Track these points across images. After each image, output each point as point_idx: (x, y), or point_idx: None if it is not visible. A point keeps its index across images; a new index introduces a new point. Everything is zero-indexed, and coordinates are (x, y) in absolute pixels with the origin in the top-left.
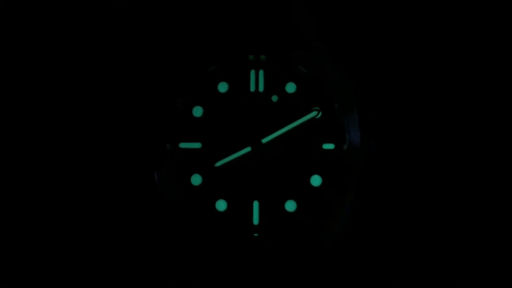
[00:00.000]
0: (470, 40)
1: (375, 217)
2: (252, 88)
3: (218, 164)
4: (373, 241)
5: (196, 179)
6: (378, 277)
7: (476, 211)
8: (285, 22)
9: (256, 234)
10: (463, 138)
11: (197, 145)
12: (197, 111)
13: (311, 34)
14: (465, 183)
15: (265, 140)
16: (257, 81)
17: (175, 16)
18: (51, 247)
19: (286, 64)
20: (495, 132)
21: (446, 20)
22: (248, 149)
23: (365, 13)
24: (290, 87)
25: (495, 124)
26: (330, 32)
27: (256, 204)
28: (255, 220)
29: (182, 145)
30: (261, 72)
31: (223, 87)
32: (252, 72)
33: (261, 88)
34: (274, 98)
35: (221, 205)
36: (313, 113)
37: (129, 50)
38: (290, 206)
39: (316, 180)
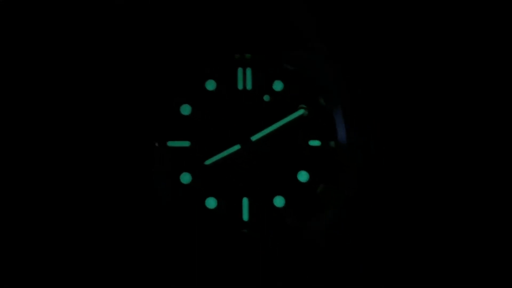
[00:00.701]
0: (460, 36)
1: (364, 212)
2: (240, 86)
3: (208, 162)
4: (361, 235)
5: (186, 178)
6: (367, 273)
7: (468, 207)
8: (271, 20)
9: (245, 231)
10: (453, 134)
11: (185, 144)
12: (185, 109)
13: (298, 32)
14: (453, 176)
15: (254, 138)
16: (244, 79)
17: (163, 15)
18: (42, 243)
19: (272, 62)
20: (485, 128)
21: (436, 16)
22: (237, 147)
23: (348, 7)
24: (277, 85)
25: (484, 120)
26: (316, 28)
27: (245, 201)
28: (245, 217)
29: (171, 143)
30: (248, 70)
31: (210, 85)
32: (240, 71)
33: (248, 86)
34: (266, 97)
35: (211, 202)
36: (300, 111)
37: (117, 49)
38: (279, 201)
39: (303, 176)
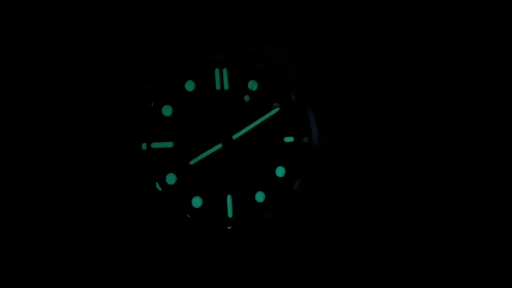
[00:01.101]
0: (432, 31)
1: (340, 206)
2: (218, 87)
3: (193, 162)
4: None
5: (171, 178)
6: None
7: (443, 199)
8: (240, 19)
9: (229, 227)
10: (431, 129)
11: (169, 145)
12: (167, 111)
13: (264, 29)
14: (432, 170)
15: (235, 136)
16: (221, 79)
17: (141, 17)
18: (29, 244)
19: (246, 62)
20: (453, 128)
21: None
22: (219, 146)
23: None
24: (253, 85)
25: (453, 119)
26: (284, 27)
27: (229, 198)
28: (230, 213)
29: (155, 145)
30: (225, 71)
31: (190, 85)
32: (217, 71)
33: (226, 86)
34: (246, 98)
35: (196, 201)
36: (276, 110)
37: (98, 53)
38: (260, 197)
39: (280, 171)
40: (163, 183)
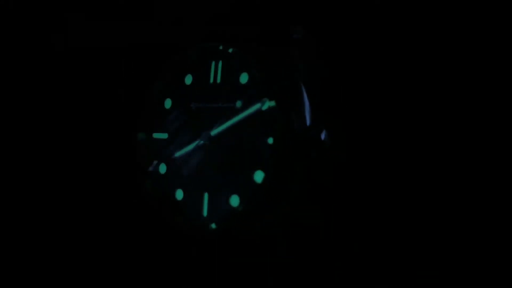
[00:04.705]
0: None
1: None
2: (211, 80)
3: (177, 154)
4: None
5: (163, 168)
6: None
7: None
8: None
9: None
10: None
11: (164, 136)
12: (168, 103)
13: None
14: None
15: (213, 133)
16: (216, 72)
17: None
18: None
19: (241, 55)
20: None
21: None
22: (200, 142)
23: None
24: (243, 78)
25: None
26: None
27: (206, 196)
28: (204, 212)
29: (155, 135)
30: (220, 63)
31: (188, 79)
32: (213, 64)
33: (218, 80)
34: (238, 104)
35: (179, 194)
36: (257, 106)
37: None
38: (234, 201)
39: (259, 176)
40: (157, 172)
